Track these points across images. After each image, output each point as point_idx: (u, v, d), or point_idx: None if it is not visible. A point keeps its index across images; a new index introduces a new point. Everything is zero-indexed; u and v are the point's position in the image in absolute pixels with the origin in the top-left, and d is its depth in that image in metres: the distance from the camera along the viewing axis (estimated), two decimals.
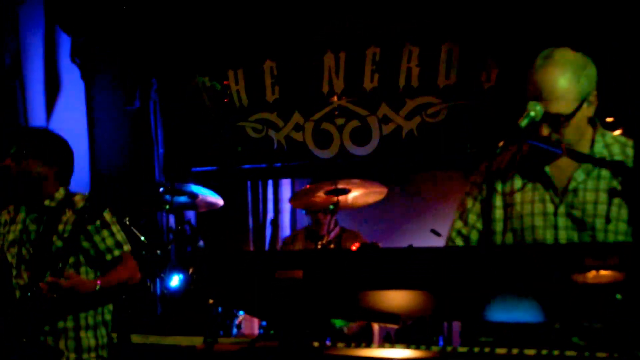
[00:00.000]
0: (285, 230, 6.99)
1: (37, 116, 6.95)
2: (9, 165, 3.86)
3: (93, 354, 3.90)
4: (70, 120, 7.15)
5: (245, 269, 5.49)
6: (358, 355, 4.64)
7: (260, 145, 6.87)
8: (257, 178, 7.05)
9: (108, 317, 3.98)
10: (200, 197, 6.02)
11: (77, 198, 3.90)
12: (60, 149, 3.99)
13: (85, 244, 3.82)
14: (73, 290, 3.63)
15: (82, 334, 3.86)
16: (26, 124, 6.80)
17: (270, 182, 7.10)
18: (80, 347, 3.86)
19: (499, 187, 3.00)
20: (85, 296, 3.74)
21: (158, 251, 5.90)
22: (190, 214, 7.00)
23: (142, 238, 5.96)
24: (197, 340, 5.50)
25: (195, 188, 6.04)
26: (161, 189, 5.86)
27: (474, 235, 3.06)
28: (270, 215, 7.00)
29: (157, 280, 5.98)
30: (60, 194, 3.93)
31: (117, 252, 3.86)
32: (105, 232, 3.84)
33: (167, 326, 5.91)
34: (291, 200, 6.30)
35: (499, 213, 3.00)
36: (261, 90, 6.87)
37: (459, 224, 3.09)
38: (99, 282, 3.74)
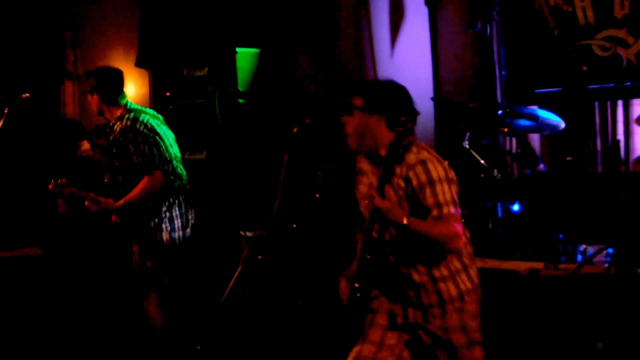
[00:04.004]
0: (637, 152, 6.59)
1: (382, 43, 7.17)
2: (346, 119, 3.93)
3: (457, 303, 3.84)
4: (414, 46, 7.30)
5: (586, 192, 5.31)
6: None
7: (608, 64, 6.49)
8: (604, 98, 6.68)
9: (458, 263, 3.85)
10: (541, 119, 5.87)
11: (414, 150, 3.87)
12: (387, 95, 3.97)
13: (415, 198, 3.77)
14: (386, 211, 3.65)
15: (441, 286, 3.83)
16: (372, 51, 7.04)
17: (620, 102, 6.71)
18: (441, 300, 3.83)
19: None
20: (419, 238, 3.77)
21: (498, 174, 5.87)
22: (534, 136, 6.86)
23: (482, 161, 5.96)
24: (538, 266, 5.45)
25: (535, 110, 5.90)
26: (500, 112, 5.79)
27: None
28: (619, 137, 6.63)
29: (498, 203, 5.96)
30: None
31: (436, 212, 3.70)
32: (428, 191, 3.72)
33: (508, 251, 5.90)
34: (638, 121, 5.93)
35: None
36: (609, 6, 6.46)
37: None
38: (406, 219, 3.67)
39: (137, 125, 5.34)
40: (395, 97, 3.92)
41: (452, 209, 3.71)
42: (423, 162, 3.73)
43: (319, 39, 7.32)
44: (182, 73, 7.83)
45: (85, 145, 8.07)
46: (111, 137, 5.42)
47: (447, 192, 3.72)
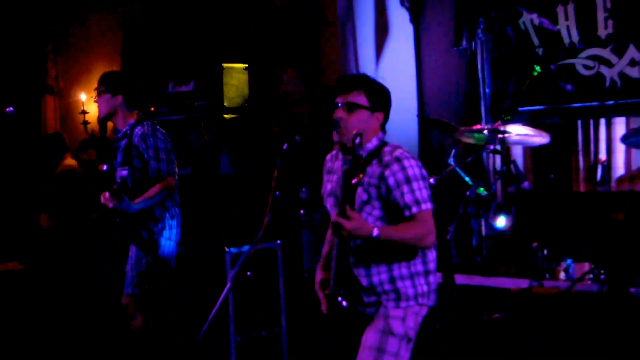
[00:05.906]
0: (619, 170, 6.63)
1: (366, 59, 7.21)
2: (339, 117, 3.92)
3: (412, 302, 3.85)
4: (399, 63, 7.34)
5: (574, 210, 5.35)
6: None
7: (592, 83, 6.57)
8: (588, 117, 6.74)
9: (423, 267, 3.87)
10: (525, 136, 5.92)
11: (387, 150, 3.87)
12: (385, 95, 4.00)
13: (389, 196, 3.78)
14: (354, 231, 3.63)
15: (400, 284, 3.84)
16: (356, 67, 7.08)
17: (602, 120, 6.76)
18: (398, 297, 3.84)
19: None
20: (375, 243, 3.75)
21: (483, 192, 5.90)
22: (518, 154, 6.90)
23: (467, 179, 5.98)
24: (522, 283, 5.50)
25: (520, 128, 5.94)
26: (485, 130, 5.82)
27: None
28: (602, 155, 6.68)
29: (482, 220, 5.98)
30: (372, 144, 3.91)
31: (415, 209, 3.73)
32: (405, 188, 3.73)
33: (492, 267, 5.93)
34: (623, 139, 5.97)
35: None
36: (593, 26, 6.54)
37: None
38: (375, 230, 3.65)
39: (157, 133, 5.37)
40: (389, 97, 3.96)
41: (430, 205, 3.77)
42: (398, 160, 3.75)
43: (303, 55, 7.35)
44: (166, 88, 7.80)
45: (69, 159, 8.04)
46: (124, 142, 5.39)
47: (423, 190, 3.76)
